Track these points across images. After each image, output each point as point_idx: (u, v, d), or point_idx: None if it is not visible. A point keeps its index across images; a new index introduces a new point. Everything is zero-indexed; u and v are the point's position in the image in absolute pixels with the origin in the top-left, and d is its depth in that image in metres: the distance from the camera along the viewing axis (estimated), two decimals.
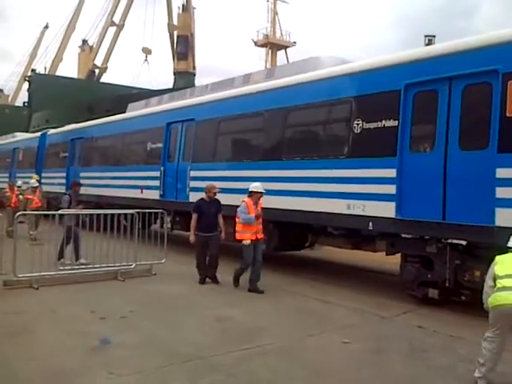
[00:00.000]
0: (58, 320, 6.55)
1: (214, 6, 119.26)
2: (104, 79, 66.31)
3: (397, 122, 7.81)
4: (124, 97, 43.53)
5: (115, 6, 59.83)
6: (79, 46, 72.61)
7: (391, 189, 7.78)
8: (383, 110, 8.13)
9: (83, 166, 18.26)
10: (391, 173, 7.80)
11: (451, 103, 7.22)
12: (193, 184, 12.31)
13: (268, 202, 9.04)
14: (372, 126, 8.23)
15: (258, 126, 10.85)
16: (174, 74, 59.66)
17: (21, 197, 14.94)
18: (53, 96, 52.13)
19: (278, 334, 6.18)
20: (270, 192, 9.09)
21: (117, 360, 5.11)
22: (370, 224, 8.06)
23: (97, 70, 66.34)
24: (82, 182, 16.58)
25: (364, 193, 8.20)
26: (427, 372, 5.07)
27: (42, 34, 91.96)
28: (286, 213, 9.40)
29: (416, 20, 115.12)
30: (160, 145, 13.86)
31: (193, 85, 54.66)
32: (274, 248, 10.49)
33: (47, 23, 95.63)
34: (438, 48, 7.91)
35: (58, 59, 78.15)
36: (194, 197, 11.82)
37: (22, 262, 8.16)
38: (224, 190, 10.31)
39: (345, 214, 8.46)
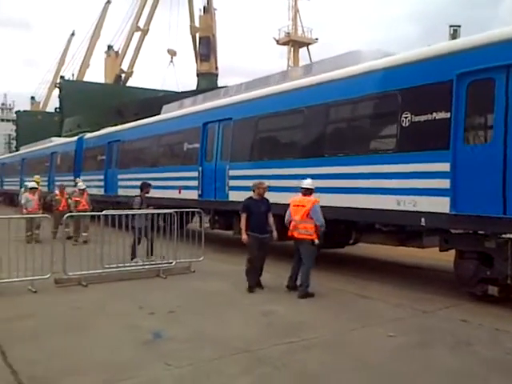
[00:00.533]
0: (110, 315, 6.84)
1: (235, 7, 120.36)
2: (130, 83, 67.44)
3: (449, 113, 7.61)
4: (151, 100, 44.28)
5: (140, 12, 60.67)
6: (105, 52, 73.92)
7: (445, 183, 7.59)
8: (434, 102, 7.93)
9: (121, 168, 18.54)
10: (444, 167, 7.61)
11: (509, 92, 6.98)
12: (232, 183, 12.38)
13: None
14: (422, 118, 8.05)
15: (300, 123, 10.75)
16: (197, 75, 60.29)
17: (69, 200, 15.18)
18: (83, 101, 53.30)
19: (321, 328, 6.32)
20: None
21: (170, 352, 5.33)
22: (423, 220, 7.90)
23: (123, 75, 67.39)
24: (120, 184, 16.80)
25: (415, 188, 8.06)
26: (474, 365, 5.13)
27: (69, 41, 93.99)
28: (331, 210, 9.04)
29: (437, 11, 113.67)
30: (197, 145, 13.96)
31: (216, 85, 55.18)
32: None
33: (73, 31, 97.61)
34: (495, 34, 7.50)
35: (85, 65, 79.79)
36: (233, 195, 12.21)
37: (70, 261, 8.54)
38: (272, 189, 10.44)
39: (394, 210, 8.35)
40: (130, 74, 66.54)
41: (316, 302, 7.70)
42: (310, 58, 48.93)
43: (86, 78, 74.84)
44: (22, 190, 21.23)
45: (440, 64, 8.00)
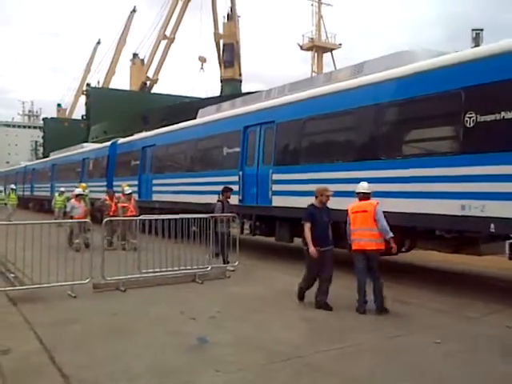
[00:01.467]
0: (152, 320, 6.86)
1: (258, 14, 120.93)
2: (155, 90, 68.37)
3: None
4: (177, 106, 44.85)
5: (167, 21, 61.51)
6: (130, 60, 75.11)
7: None
8: (503, 101, 7.49)
9: (155, 173, 18.41)
10: None
11: None
12: (276, 188, 12.09)
13: None
14: (489, 118, 7.65)
15: (352, 125, 10.39)
16: (221, 81, 60.82)
17: (119, 205, 14.71)
18: (109, 108, 54.33)
19: (365, 334, 6.25)
20: None
21: (218, 358, 5.31)
22: (492, 226, 7.40)
23: (148, 82, 68.33)
24: (154, 189, 16.49)
25: (483, 192, 7.58)
26: None
27: (95, 49, 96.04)
28: (389, 216, 8.09)
29: (461, 15, 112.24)
30: (237, 149, 13.72)
31: (239, 91, 55.74)
32: None
33: (99, 39, 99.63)
34: None
35: (110, 73, 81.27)
36: (277, 201, 12.01)
37: (108, 266, 8.61)
38: (311, 193, 10.27)
39: (458, 216, 7.89)
40: (155, 81, 67.48)
41: (354, 308, 7.59)
42: (334, 64, 48.90)
43: (112, 85, 76.27)
44: (56, 195, 21.61)
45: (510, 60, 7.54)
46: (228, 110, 15.38)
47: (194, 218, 10.24)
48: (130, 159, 20.80)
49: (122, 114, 51.09)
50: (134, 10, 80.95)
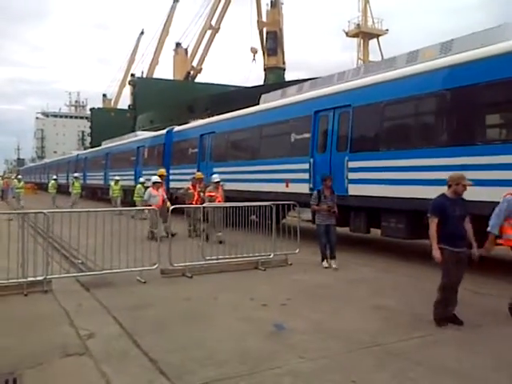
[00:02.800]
0: (223, 306, 6.93)
1: (302, 0, 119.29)
2: (198, 79, 68.74)
3: None
4: (221, 95, 44.99)
5: (213, 11, 61.61)
6: (173, 49, 75.73)
7: None
8: None
9: (216, 161, 17.93)
10: None
11: None
12: (352, 176, 11.46)
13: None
14: None
15: (438, 108, 9.85)
16: (265, 69, 60.58)
17: (202, 194, 13.85)
18: (155, 98, 55.06)
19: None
20: None
21: (299, 344, 5.30)
22: None
23: (192, 71, 68.80)
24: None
25: None
26: None
27: (139, 39, 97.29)
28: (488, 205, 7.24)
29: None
30: (307, 135, 13.05)
31: (283, 80, 55.48)
32: None
33: (142, 29, 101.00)
34: None
35: (154, 63, 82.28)
36: (353, 190, 11.41)
37: (174, 253, 8.75)
38: (396, 182, 10.01)
39: None
40: (199, 70, 67.88)
41: (427, 296, 7.40)
42: (381, 50, 47.92)
43: (156, 75, 77.24)
44: (112, 183, 22.05)
45: None
46: (294, 95, 14.69)
47: (255, 206, 10.27)
48: (188, 147, 20.45)
49: (168, 103, 51.71)
50: (176, 0, 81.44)
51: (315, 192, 9.71)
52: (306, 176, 12.80)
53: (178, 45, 74.98)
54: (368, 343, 5.35)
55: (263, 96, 17.02)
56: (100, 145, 40.05)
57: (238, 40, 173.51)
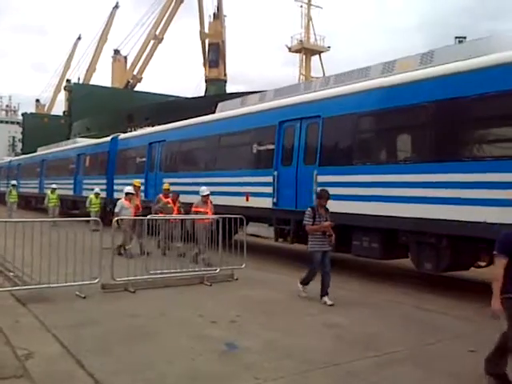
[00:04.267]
0: (171, 323, 6.63)
1: (245, 14, 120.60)
2: (138, 88, 67.56)
3: None
4: (163, 105, 44.45)
5: (159, 21, 60.98)
6: (112, 56, 74.30)
7: None
8: None
9: (166, 171, 16.95)
10: None
11: None
12: None
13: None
14: None
15: (420, 121, 9.30)
16: (206, 81, 60.53)
17: (181, 210, 12.71)
18: (92, 105, 53.52)
19: (395, 342, 6.07)
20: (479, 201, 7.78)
21: (253, 365, 5.12)
22: None
23: (131, 80, 67.63)
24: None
25: None
26: None
27: (75, 45, 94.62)
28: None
29: (441, 22, 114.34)
30: (271, 146, 12.41)
31: (224, 92, 55.67)
32: (443, 268, 8.92)
33: (80, 34, 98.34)
34: None
35: (91, 69, 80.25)
36: None
37: (115, 267, 8.36)
38: (369, 198, 9.57)
39: None
40: (139, 79, 66.83)
41: (377, 314, 7.47)
42: (322, 66, 49.03)
43: (93, 82, 75.12)
44: (49, 192, 20.93)
45: None
46: (256, 104, 14.00)
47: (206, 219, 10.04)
48: (135, 156, 19.43)
49: (106, 111, 50.37)
50: (116, 6, 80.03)
51: (309, 209, 8.19)
52: (269, 190, 12.16)
53: (116, 52, 73.63)
54: (324, 363, 5.24)
55: (220, 104, 16.32)
56: (34, 151, 38.25)
57: (179, 51, 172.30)
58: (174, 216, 11.07)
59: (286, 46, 48.66)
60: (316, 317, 7.21)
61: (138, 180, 14.21)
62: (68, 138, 48.04)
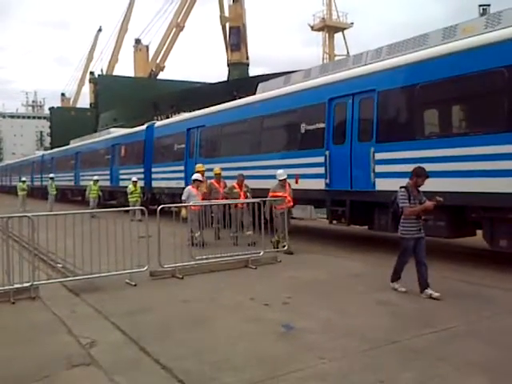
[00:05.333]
0: (224, 307, 6.68)
1: None
2: (161, 77, 67.71)
3: None
4: (187, 92, 44.44)
5: (181, 9, 60.71)
6: (133, 46, 74.41)
7: None
8: None
9: (207, 156, 16.47)
10: None
11: None
12: (380, 168, 10.23)
13: None
14: None
15: (506, 86, 8.36)
16: (228, 65, 60.18)
17: (248, 194, 12.04)
18: (118, 96, 54.00)
19: (451, 318, 5.99)
20: None
21: (314, 345, 5.12)
22: None
23: (154, 69, 67.79)
24: (206, 174, 14.65)
25: None
26: None
27: (96, 37, 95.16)
28: None
29: None
30: (320, 125, 11.78)
31: (247, 75, 55.35)
32: None
33: (100, 27, 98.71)
34: None
35: (113, 60, 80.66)
36: (382, 184, 10.09)
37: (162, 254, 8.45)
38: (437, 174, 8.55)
39: None
40: (162, 68, 66.89)
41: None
42: (346, 44, 48.27)
43: (115, 73, 75.59)
44: (91, 183, 21.18)
45: None
46: (301, 82, 13.27)
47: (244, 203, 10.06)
48: (173, 143, 18.96)
49: (131, 101, 50.75)
50: None
51: (402, 190, 7.11)
52: (320, 170, 11.57)
53: (137, 41, 73.67)
54: (384, 340, 5.21)
55: (261, 85, 15.55)
56: (62, 145, 38.81)
57: (201, 37, 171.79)
58: (217, 202, 10.95)
59: (309, 25, 48.12)
60: (367, 295, 7.17)
61: (200, 164, 13.57)
62: (95, 130, 48.72)
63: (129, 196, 18.30)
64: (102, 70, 78.92)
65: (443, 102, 9.70)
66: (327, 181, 11.43)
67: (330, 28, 47.02)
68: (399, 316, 6.18)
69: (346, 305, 6.69)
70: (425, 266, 7.07)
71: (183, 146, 18.03)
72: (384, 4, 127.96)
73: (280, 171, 11.22)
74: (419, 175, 7.11)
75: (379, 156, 10.23)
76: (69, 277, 8.20)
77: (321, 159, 11.60)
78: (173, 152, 18.77)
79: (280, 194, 10.95)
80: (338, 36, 47.84)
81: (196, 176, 12.34)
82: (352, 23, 48.44)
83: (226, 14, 59.28)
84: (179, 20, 61.91)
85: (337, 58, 45.38)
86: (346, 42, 47.95)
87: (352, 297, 7.13)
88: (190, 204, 10.39)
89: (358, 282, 8.04)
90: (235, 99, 20.68)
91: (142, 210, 8.95)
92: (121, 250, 7.94)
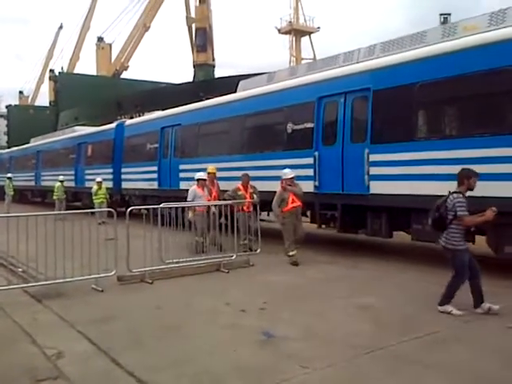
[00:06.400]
0: (200, 313, 6.37)
1: None
2: (124, 76, 66.40)
3: None
4: (152, 91, 43.67)
5: (148, 9, 59.65)
6: (96, 44, 72.79)
7: None
8: None
9: (184, 157, 15.74)
10: None
11: None
12: (375, 171, 9.76)
13: None
14: None
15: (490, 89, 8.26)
16: (194, 66, 59.56)
17: (255, 196, 11.02)
18: (79, 94, 52.46)
19: (432, 322, 5.87)
20: None
21: (297, 353, 4.88)
22: None
23: (118, 68, 66.45)
24: (182, 176, 14.01)
25: None
26: None
27: (57, 34, 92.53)
28: None
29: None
30: (309, 125, 11.23)
31: (212, 77, 54.91)
32: None
33: (61, 23, 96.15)
34: None
35: (75, 58, 78.57)
36: (376, 187, 9.75)
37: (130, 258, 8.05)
38: (435, 177, 8.44)
39: None
40: (125, 67, 65.67)
41: (403, 293, 7.28)
42: (313, 48, 48.55)
43: (77, 71, 73.75)
44: (56, 184, 20.29)
45: None
46: (286, 80, 12.67)
47: (218, 205, 9.74)
48: (145, 142, 18.10)
49: (94, 99, 49.45)
50: None
51: (459, 196, 6.27)
52: (309, 172, 11.01)
53: (100, 39, 72.07)
54: (368, 347, 5.02)
55: (242, 83, 14.83)
56: (20, 144, 37.41)
57: (167, 37, 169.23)
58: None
59: (276, 28, 48.10)
60: (346, 299, 6.99)
61: (212, 166, 12.32)
62: (55, 129, 47.26)
63: (93, 197, 17.48)
64: (62, 68, 76.88)
65: (445, 101, 9.29)
66: (316, 183, 10.91)
67: (296, 32, 47.14)
68: (381, 321, 6.00)
69: (325, 310, 6.49)
70: (479, 282, 6.33)
71: (157, 145, 17.29)
72: (348, 11, 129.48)
73: (286, 170, 10.04)
74: (470, 176, 6.40)
75: (374, 158, 9.79)
76: (30, 282, 7.72)
77: (309, 160, 11.04)
78: (145, 152, 17.99)
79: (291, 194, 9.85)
80: (304, 40, 48.09)
81: (199, 175, 11.41)
82: (319, 27, 48.83)
83: (193, 14, 58.64)
84: (145, 20, 60.89)
85: (304, 62, 45.58)
86: (312, 46, 48.27)
87: (330, 302, 6.93)
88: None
89: (335, 286, 7.88)
90: (202, 100, 20.40)
91: (109, 212, 8.50)
92: (87, 253, 7.56)
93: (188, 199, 11.03)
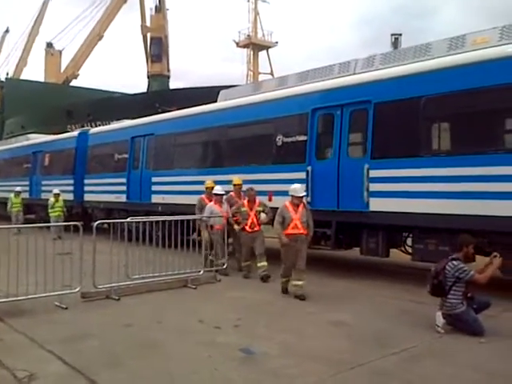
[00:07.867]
0: (174, 331, 6.23)
1: (190, 8, 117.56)
2: (74, 84, 64.79)
3: None
4: (104, 101, 42.72)
5: (102, 19, 58.53)
6: (45, 49, 70.78)
7: None
8: None
9: (157, 169, 14.86)
10: None
11: None
12: (375, 187, 9.27)
13: None
14: None
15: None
16: (148, 77, 58.92)
17: (263, 214, 10.03)
18: (27, 101, 50.54)
19: (407, 337, 5.97)
20: None
21: (280, 371, 4.85)
22: None
23: (69, 76, 64.77)
24: (154, 188, 13.59)
25: None
26: None
27: (3, 38, 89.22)
28: None
29: (375, 20, 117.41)
30: (301, 138, 10.67)
31: (167, 88, 54.42)
32: None
33: (7, 27, 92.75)
34: None
35: (22, 64, 75.86)
36: (376, 204, 9.22)
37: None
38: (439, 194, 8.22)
39: None
40: (75, 75, 64.07)
41: (376, 310, 7.39)
42: (270, 62, 48.99)
43: (24, 77, 71.29)
44: (12, 196, 19.08)
45: None
46: (274, 90, 12.10)
47: (182, 220, 9.53)
48: (113, 152, 17.01)
49: (42, 107, 47.78)
50: None
51: (459, 263, 6.27)
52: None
53: (49, 45, 70.12)
54: (350, 363, 5.06)
55: (223, 92, 14.06)
56: None
57: (120, 46, 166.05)
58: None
59: (234, 41, 48.21)
60: (318, 315, 7.04)
61: (211, 181, 11.54)
62: (0, 138, 45.40)
63: (49, 210, 16.47)
64: (7, 74, 74.11)
65: (455, 116, 8.79)
66: (308, 199, 9.92)
67: (255, 46, 47.37)
68: (356, 337, 6.06)
69: (300, 326, 6.50)
70: None
71: (126, 155, 16.25)
72: (305, 28, 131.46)
73: (295, 186, 8.52)
74: (469, 243, 6.47)
75: (375, 173, 9.29)
76: None
77: (301, 175, 10.30)
78: (113, 162, 16.89)
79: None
80: (262, 54, 48.47)
81: (217, 189, 10.54)
82: (277, 42, 49.34)
83: (148, 23, 58.10)
84: (98, 28, 59.75)
85: (261, 76, 46.00)
86: (270, 61, 48.73)
87: (303, 318, 6.95)
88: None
89: (306, 302, 7.88)
90: (158, 112, 20.03)
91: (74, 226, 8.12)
92: (50, 269, 7.24)
93: (204, 218, 10.22)
